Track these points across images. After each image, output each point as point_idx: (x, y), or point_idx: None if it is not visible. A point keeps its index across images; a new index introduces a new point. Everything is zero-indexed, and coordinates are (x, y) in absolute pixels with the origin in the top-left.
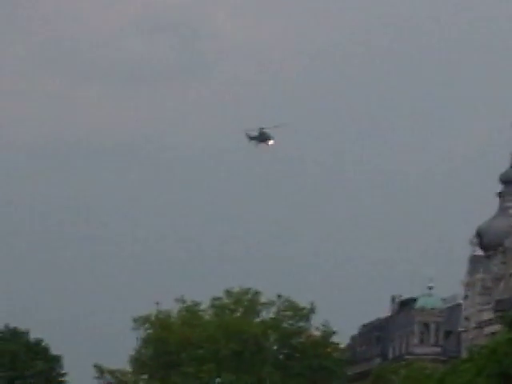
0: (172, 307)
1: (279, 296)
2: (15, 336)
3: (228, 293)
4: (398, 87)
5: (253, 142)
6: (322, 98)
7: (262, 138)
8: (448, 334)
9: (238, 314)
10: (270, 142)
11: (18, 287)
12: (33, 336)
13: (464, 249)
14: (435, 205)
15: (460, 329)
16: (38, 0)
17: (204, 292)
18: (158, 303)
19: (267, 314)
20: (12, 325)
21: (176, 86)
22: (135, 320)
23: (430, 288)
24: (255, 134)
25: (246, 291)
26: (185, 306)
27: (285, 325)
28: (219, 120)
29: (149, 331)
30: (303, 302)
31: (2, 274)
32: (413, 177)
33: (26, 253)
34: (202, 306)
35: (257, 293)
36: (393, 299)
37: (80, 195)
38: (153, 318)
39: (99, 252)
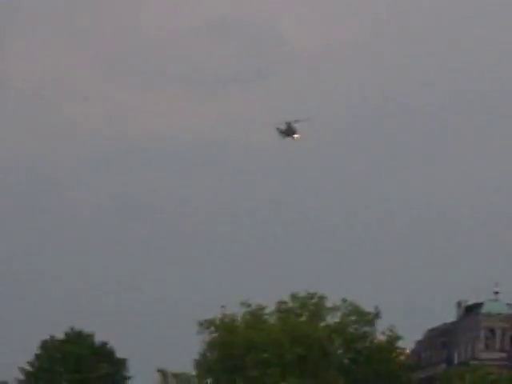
0: (237, 311)
1: (344, 300)
2: (80, 339)
3: (293, 297)
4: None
5: (281, 135)
6: (383, 103)
7: (289, 131)
8: None
9: (303, 319)
10: (296, 136)
11: (83, 290)
12: (98, 339)
13: None
14: (505, 210)
15: None
16: (100, 12)
17: (269, 296)
18: (223, 307)
19: (332, 319)
20: (77, 328)
21: (238, 91)
22: (200, 323)
23: (496, 293)
24: (283, 127)
25: (312, 296)
26: (250, 309)
27: (350, 329)
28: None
29: (214, 335)
30: (368, 307)
31: (68, 277)
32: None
33: (91, 257)
34: (267, 310)
35: (322, 297)
36: (459, 304)
37: (145, 195)
38: (218, 322)
39: (165, 255)
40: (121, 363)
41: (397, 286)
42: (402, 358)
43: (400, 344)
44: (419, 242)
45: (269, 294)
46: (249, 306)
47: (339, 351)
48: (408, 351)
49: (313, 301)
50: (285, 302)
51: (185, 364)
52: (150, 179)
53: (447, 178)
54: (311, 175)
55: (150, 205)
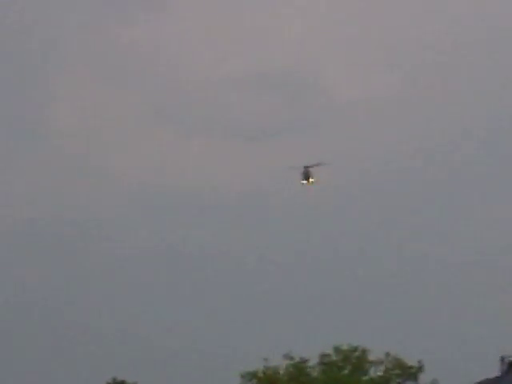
0: (280, 363)
1: (387, 354)
2: None
3: (336, 350)
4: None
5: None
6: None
7: (305, 175)
8: None
9: (346, 372)
10: (311, 180)
11: (124, 338)
12: None
13: None
14: None
15: None
16: (140, 60)
17: (312, 349)
18: (265, 359)
19: (375, 372)
20: (119, 378)
21: (281, 143)
22: (242, 375)
23: None
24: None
25: (355, 348)
26: (293, 362)
27: (393, 383)
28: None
29: None
30: (411, 361)
31: (109, 324)
32: None
33: (134, 303)
34: (310, 363)
35: (365, 350)
36: (502, 359)
37: (186, 246)
38: (260, 374)
39: (207, 306)
40: None
41: (440, 339)
42: None
43: None
44: (462, 293)
45: (312, 346)
46: (291, 358)
47: None
48: None
49: (356, 354)
50: (328, 355)
51: None
52: (190, 231)
53: (483, 228)
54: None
55: (190, 256)
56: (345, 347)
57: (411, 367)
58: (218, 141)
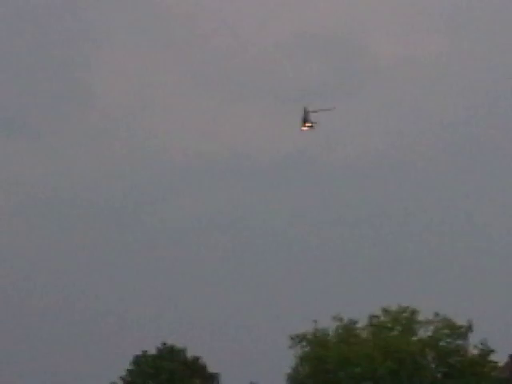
0: (329, 325)
1: (436, 314)
2: (172, 354)
3: (385, 311)
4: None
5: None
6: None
7: (304, 120)
8: None
9: (396, 333)
10: (308, 125)
11: (173, 305)
12: (190, 354)
13: None
14: None
15: None
16: (187, 25)
17: (361, 310)
18: (315, 321)
19: (424, 333)
20: (169, 343)
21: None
22: (292, 338)
23: None
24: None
25: (404, 309)
26: (342, 324)
27: (442, 343)
28: (372, 137)
29: (306, 349)
30: (461, 321)
31: (159, 291)
32: None
33: (183, 271)
34: (359, 324)
35: (414, 311)
36: None
37: (231, 211)
38: (310, 336)
39: (255, 271)
40: (213, 378)
41: (490, 298)
42: (496, 372)
43: (493, 358)
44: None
45: (361, 308)
46: (341, 320)
47: (432, 365)
48: (501, 365)
49: (405, 315)
50: (377, 317)
51: (277, 378)
52: (233, 196)
53: None
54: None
55: (233, 223)
56: (394, 308)
57: (460, 327)
58: (264, 105)
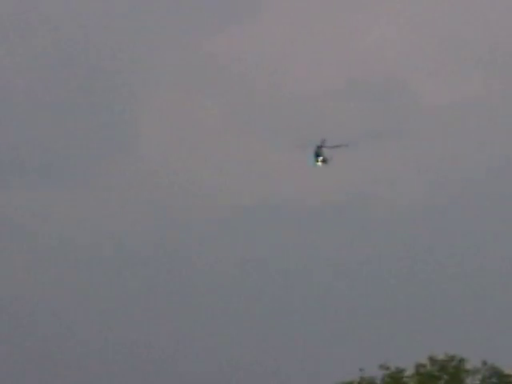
0: (376, 374)
1: (484, 363)
2: None
3: (432, 360)
4: None
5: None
6: None
7: (317, 155)
8: None
9: (443, 382)
10: (321, 161)
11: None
12: None
13: None
14: None
15: None
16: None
17: (408, 358)
18: (361, 369)
19: (472, 382)
20: None
21: (370, 149)
22: None
23: None
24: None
25: (451, 358)
26: (389, 372)
27: None
28: (430, 177)
29: None
30: (509, 369)
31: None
32: None
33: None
34: (407, 373)
35: (461, 360)
36: None
37: (273, 259)
38: None
39: (304, 318)
40: None
41: None
42: None
43: None
44: None
45: (407, 356)
46: (387, 368)
47: None
48: None
49: (452, 363)
50: (424, 365)
51: None
52: (276, 242)
53: None
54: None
55: (282, 268)
56: (441, 357)
57: (509, 375)
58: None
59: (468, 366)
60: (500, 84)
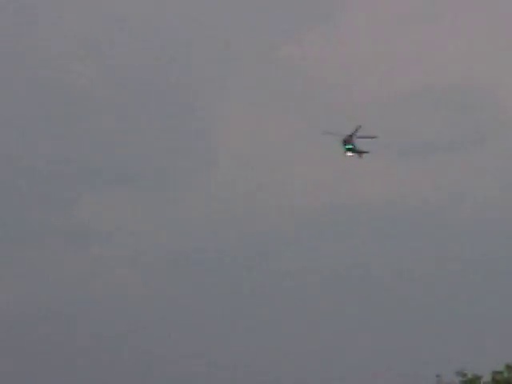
0: (453, 380)
1: None
2: None
3: (509, 367)
4: None
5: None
6: None
7: (346, 144)
8: None
9: None
10: (349, 154)
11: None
12: None
13: None
14: None
15: None
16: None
17: (485, 366)
18: (438, 376)
19: None
20: None
21: (451, 158)
22: None
23: None
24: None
25: None
26: (465, 379)
27: None
28: (500, 191)
29: None
30: None
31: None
32: None
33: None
34: (483, 380)
35: None
36: None
37: (360, 263)
38: None
39: (381, 321)
40: None
41: None
42: None
43: None
44: None
45: (484, 363)
46: (464, 375)
47: None
48: None
49: None
50: (500, 372)
51: None
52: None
53: None
54: None
55: (367, 273)
56: None
57: None
58: (388, 156)
59: None
60: None
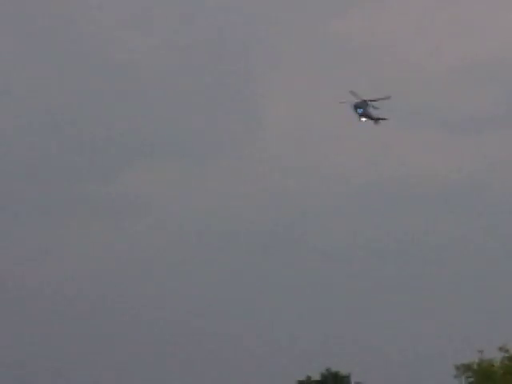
0: (495, 356)
1: None
2: (336, 380)
3: None
4: None
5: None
6: None
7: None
8: None
9: None
10: (363, 119)
11: (339, 331)
12: (354, 380)
13: None
14: None
15: None
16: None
17: None
18: (480, 351)
19: None
20: (334, 369)
21: (496, 134)
22: (457, 367)
23: None
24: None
25: None
26: (508, 355)
27: None
28: None
29: (470, 379)
30: None
31: (324, 317)
32: None
33: (348, 298)
34: None
35: None
36: None
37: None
38: (475, 367)
39: (423, 298)
40: None
41: None
42: None
43: None
44: None
45: None
46: (507, 351)
47: None
48: None
49: None
50: None
51: None
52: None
53: None
54: None
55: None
56: None
57: None
58: (433, 130)
59: None
60: None
